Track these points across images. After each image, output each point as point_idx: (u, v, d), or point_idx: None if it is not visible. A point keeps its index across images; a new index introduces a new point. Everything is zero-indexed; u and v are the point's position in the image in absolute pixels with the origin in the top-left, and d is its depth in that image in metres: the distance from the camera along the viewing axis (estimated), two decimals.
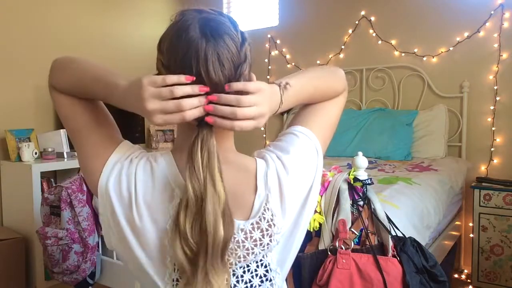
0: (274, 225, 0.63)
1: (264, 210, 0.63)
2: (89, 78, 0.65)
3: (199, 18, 0.60)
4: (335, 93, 0.79)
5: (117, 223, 0.63)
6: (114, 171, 0.65)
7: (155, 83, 0.56)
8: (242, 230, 0.62)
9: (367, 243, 1.19)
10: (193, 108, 0.56)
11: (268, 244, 0.63)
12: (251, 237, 0.62)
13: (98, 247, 1.81)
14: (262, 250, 0.63)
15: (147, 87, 0.55)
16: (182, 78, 0.57)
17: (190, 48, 0.58)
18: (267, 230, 0.63)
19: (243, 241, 0.62)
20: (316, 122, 0.76)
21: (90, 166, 0.67)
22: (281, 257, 0.68)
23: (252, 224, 0.62)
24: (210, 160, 0.57)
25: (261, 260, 0.65)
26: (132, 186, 0.63)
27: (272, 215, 0.63)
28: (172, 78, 0.56)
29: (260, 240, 0.62)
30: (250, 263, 0.64)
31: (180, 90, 0.56)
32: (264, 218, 0.63)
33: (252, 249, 0.62)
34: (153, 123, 0.56)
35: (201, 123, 0.59)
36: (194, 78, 0.58)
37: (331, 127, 0.79)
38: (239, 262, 0.62)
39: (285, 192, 0.65)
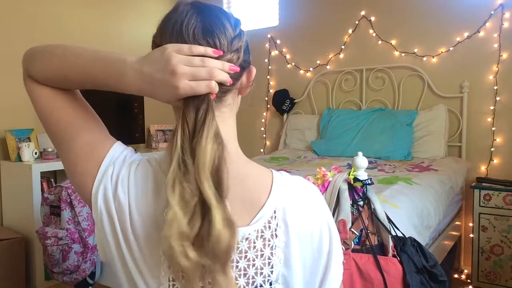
0: (277, 236, 0.58)
1: (271, 217, 0.58)
2: (87, 59, 0.57)
3: (192, 1, 0.61)
4: None
5: (113, 234, 0.57)
6: (107, 176, 0.58)
7: (181, 50, 0.53)
8: (246, 239, 0.57)
9: (367, 243, 1.19)
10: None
11: (269, 258, 0.58)
12: (254, 247, 0.57)
13: None
14: (263, 263, 0.58)
15: (174, 53, 0.52)
16: (209, 50, 0.54)
17: (180, 19, 0.58)
18: (269, 240, 0.58)
19: (246, 251, 0.57)
20: None
21: (80, 171, 0.59)
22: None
23: (256, 231, 0.57)
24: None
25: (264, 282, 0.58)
26: (126, 192, 0.57)
27: (277, 225, 0.58)
28: (199, 49, 0.53)
29: (262, 251, 0.57)
30: None
31: (212, 62, 0.53)
32: (270, 227, 0.58)
33: (254, 260, 0.57)
34: (177, 91, 0.52)
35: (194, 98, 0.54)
36: (222, 53, 0.56)
37: None
38: (239, 276, 0.57)
39: (299, 213, 0.60)
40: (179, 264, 0.47)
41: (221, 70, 0.54)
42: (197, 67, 0.52)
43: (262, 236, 0.58)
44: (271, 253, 0.58)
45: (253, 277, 0.57)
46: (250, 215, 0.58)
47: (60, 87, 0.62)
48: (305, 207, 0.61)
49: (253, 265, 0.57)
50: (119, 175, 0.58)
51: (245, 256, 0.57)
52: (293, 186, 0.62)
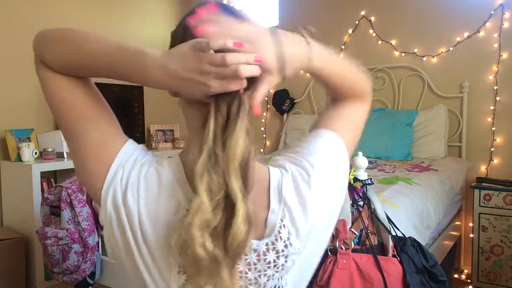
0: (291, 244, 0.56)
1: (280, 227, 0.56)
2: (107, 47, 0.54)
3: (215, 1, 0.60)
4: (362, 88, 0.70)
5: (123, 237, 0.56)
6: (116, 179, 0.56)
7: (200, 47, 0.50)
8: (255, 251, 0.55)
9: (367, 243, 1.19)
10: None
11: (283, 265, 0.56)
12: (265, 259, 0.55)
13: (98, 247, 1.81)
14: (276, 271, 0.56)
15: (196, 52, 0.49)
16: (229, 42, 0.51)
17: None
18: (283, 251, 0.56)
19: (255, 263, 0.55)
20: (343, 126, 0.67)
21: (89, 171, 0.57)
22: (297, 279, 0.60)
23: (267, 244, 0.55)
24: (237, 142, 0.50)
25: (275, 286, 0.58)
26: (136, 197, 0.55)
27: (288, 233, 0.56)
28: (218, 42, 0.50)
29: (275, 262, 0.56)
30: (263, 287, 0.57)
31: (234, 58, 0.49)
32: (281, 238, 0.56)
33: (265, 271, 0.56)
34: (208, 89, 0.49)
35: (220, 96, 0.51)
36: (242, 44, 0.52)
37: (356, 136, 0.70)
38: (250, 285, 0.56)
39: (307, 206, 0.57)
40: (196, 253, 0.47)
41: (245, 63, 0.50)
42: (220, 67, 0.49)
43: (274, 248, 0.56)
44: (286, 261, 0.56)
45: (264, 284, 0.56)
46: (255, 227, 0.55)
47: (74, 74, 0.59)
48: (309, 200, 0.58)
49: (265, 274, 0.56)
50: (128, 179, 0.56)
51: (255, 268, 0.56)
52: (290, 179, 0.59)
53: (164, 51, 0.52)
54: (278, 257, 0.56)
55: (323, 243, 0.62)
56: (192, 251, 0.47)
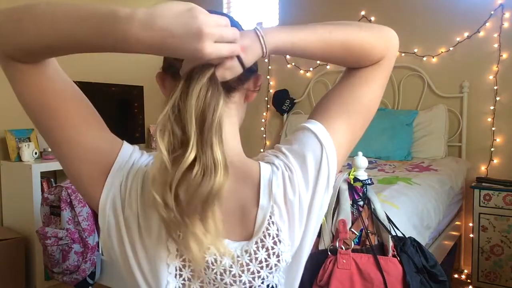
0: (280, 241, 0.55)
1: (269, 224, 0.55)
2: (70, 22, 0.46)
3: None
4: (367, 50, 0.61)
5: (119, 243, 0.56)
6: (115, 186, 0.55)
7: (200, 10, 0.46)
8: (246, 251, 0.55)
9: (367, 243, 1.19)
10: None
11: (276, 265, 0.55)
12: (256, 259, 0.54)
13: (98, 247, 1.81)
14: (269, 272, 0.55)
15: (199, 10, 0.45)
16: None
17: None
18: (272, 248, 0.55)
19: (247, 264, 0.54)
20: (335, 114, 0.62)
21: (86, 179, 0.55)
22: (290, 276, 0.59)
23: (256, 243, 0.54)
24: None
25: (269, 285, 0.57)
26: (136, 203, 0.55)
27: (277, 229, 0.55)
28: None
29: (266, 261, 0.55)
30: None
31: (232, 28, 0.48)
32: (269, 234, 0.55)
33: (258, 272, 0.55)
34: (202, 56, 0.45)
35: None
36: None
37: (361, 116, 0.64)
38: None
39: (293, 202, 0.56)
40: (160, 213, 0.47)
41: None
42: (224, 28, 0.46)
43: (263, 245, 0.55)
44: (278, 260, 0.55)
45: (259, 286, 0.56)
46: (246, 225, 0.56)
47: (44, 60, 0.52)
48: (296, 199, 0.57)
49: (259, 276, 0.55)
50: (127, 186, 0.55)
51: (248, 270, 0.55)
52: (281, 175, 0.57)
53: (146, 9, 0.45)
54: (269, 255, 0.55)
55: (311, 240, 0.60)
56: (159, 214, 0.47)
